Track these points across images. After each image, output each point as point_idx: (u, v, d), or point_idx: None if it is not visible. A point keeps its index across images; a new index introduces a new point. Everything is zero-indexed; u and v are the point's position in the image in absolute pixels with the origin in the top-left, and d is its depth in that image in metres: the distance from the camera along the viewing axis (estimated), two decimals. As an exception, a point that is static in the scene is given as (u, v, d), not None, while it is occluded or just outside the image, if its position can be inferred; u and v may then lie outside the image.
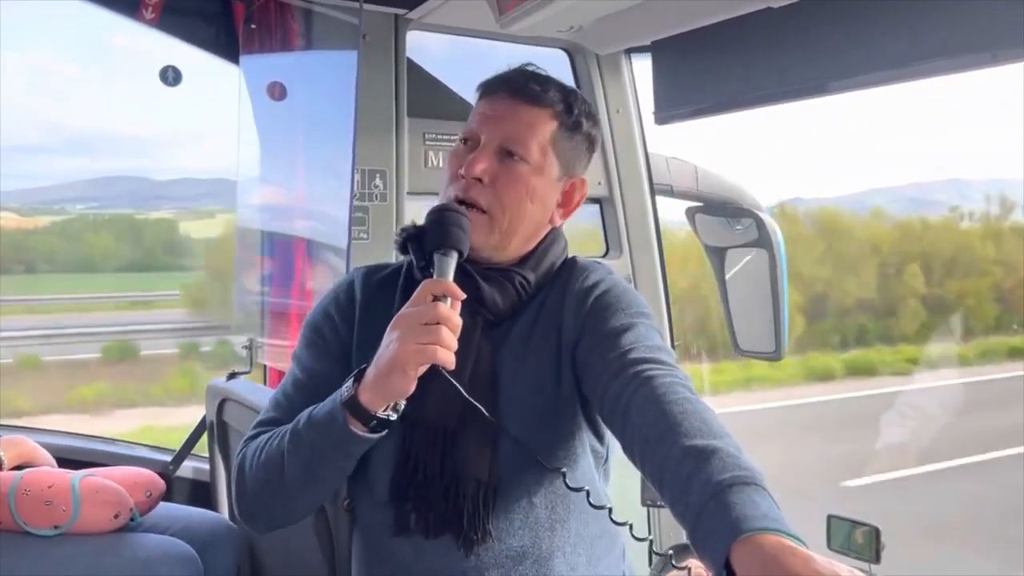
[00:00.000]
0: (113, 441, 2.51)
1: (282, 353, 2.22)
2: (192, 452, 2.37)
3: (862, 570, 1.56)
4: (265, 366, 2.33)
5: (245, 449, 1.28)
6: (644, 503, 1.82)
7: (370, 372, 1.15)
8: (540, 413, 1.24)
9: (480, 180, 1.25)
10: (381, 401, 1.14)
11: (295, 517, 1.30)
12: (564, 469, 1.20)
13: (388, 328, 1.14)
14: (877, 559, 1.58)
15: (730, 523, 0.89)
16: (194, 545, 1.81)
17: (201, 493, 2.30)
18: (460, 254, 1.20)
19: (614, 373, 1.15)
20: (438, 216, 1.23)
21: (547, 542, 1.24)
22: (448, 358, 1.11)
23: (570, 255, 1.38)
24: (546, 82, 1.30)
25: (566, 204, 1.34)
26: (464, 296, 1.15)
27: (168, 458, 2.36)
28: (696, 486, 0.95)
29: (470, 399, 1.16)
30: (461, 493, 1.20)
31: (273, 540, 1.80)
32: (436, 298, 1.13)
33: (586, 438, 1.28)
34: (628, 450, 1.12)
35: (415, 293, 1.14)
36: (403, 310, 1.14)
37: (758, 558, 0.85)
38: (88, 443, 2.41)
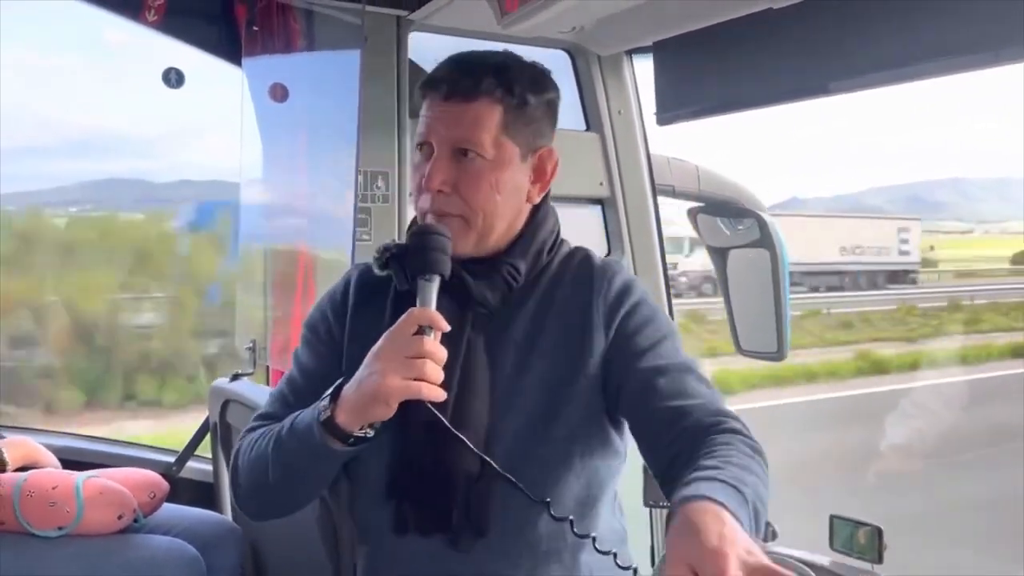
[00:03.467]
0: (116, 442, 2.52)
1: (285, 355, 2.23)
2: (195, 453, 2.38)
3: (864, 571, 1.56)
4: (268, 367, 2.34)
5: (241, 443, 1.31)
6: (647, 503, 1.82)
7: (350, 395, 1.15)
8: (549, 412, 1.23)
9: (443, 191, 1.23)
10: (358, 423, 1.16)
11: (285, 512, 1.32)
12: (548, 499, 1.19)
13: (371, 353, 1.15)
14: (880, 559, 1.58)
15: (689, 487, 0.96)
16: (197, 546, 1.82)
17: (204, 494, 2.30)
18: (442, 277, 1.20)
19: (664, 423, 1.16)
20: (421, 240, 1.21)
21: (546, 544, 1.23)
22: (432, 392, 1.12)
23: (569, 243, 1.36)
24: (479, 70, 1.24)
25: (540, 179, 1.30)
26: (448, 329, 1.15)
27: (171, 459, 2.37)
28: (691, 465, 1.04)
29: (455, 432, 1.16)
30: (455, 489, 1.20)
31: (276, 540, 1.81)
32: (421, 328, 1.13)
33: (609, 436, 1.27)
34: (653, 463, 1.17)
35: (399, 321, 1.14)
36: (387, 339, 1.14)
37: (684, 515, 0.90)
38: (92, 444, 2.43)
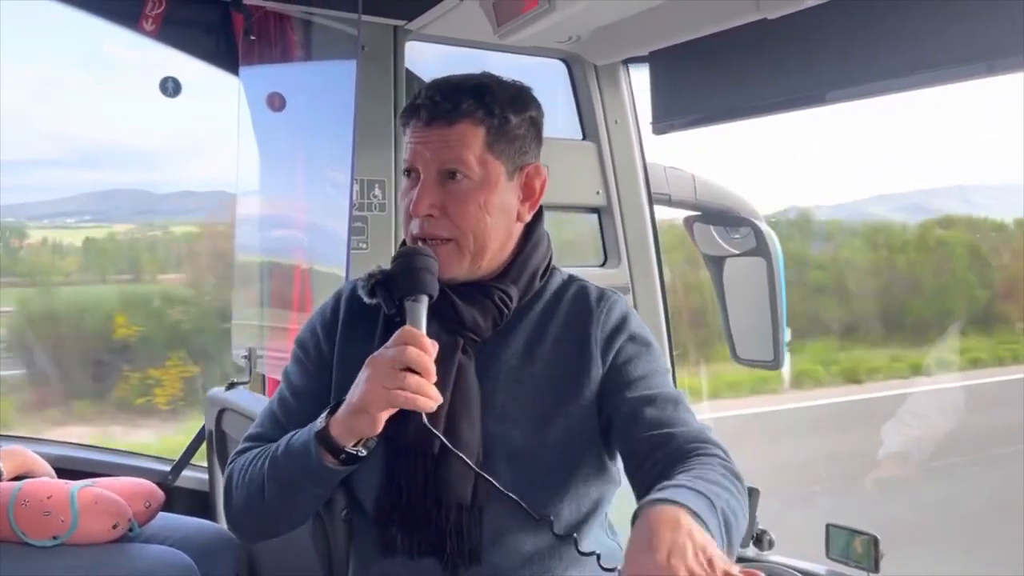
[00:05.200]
0: (112, 451, 2.51)
1: (281, 363, 2.22)
2: (191, 462, 2.38)
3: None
4: (264, 376, 2.34)
5: (233, 464, 1.31)
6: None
7: (342, 408, 1.16)
8: (543, 439, 1.23)
9: (431, 215, 1.24)
10: (350, 437, 1.16)
11: (279, 532, 1.32)
12: (552, 517, 1.21)
13: (364, 366, 1.15)
14: (876, 568, 1.58)
15: (656, 492, 0.97)
16: (192, 555, 1.81)
17: (200, 503, 2.30)
18: (430, 297, 1.20)
19: (648, 450, 1.18)
20: (406, 262, 1.21)
21: (538, 565, 1.23)
22: (412, 402, 1.12)
23: (563, 270, 1.36)
24: (456, 95, 1.25)
25: (529, 197, 1.30)
26: (433, 352, 1.15)
27: (167, 468, 2.37)
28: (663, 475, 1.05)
29: (447, 444, 1.17)
30: (444, 516, 1.20)
31: (272, 550, 1.80)
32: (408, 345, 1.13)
33: (596, 461, 1.27)
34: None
35: (393, 337, 1.15)
36: (377, 352, 1.15)
37: (643, 522, 0.91)
38: (87, 453, 2.42)
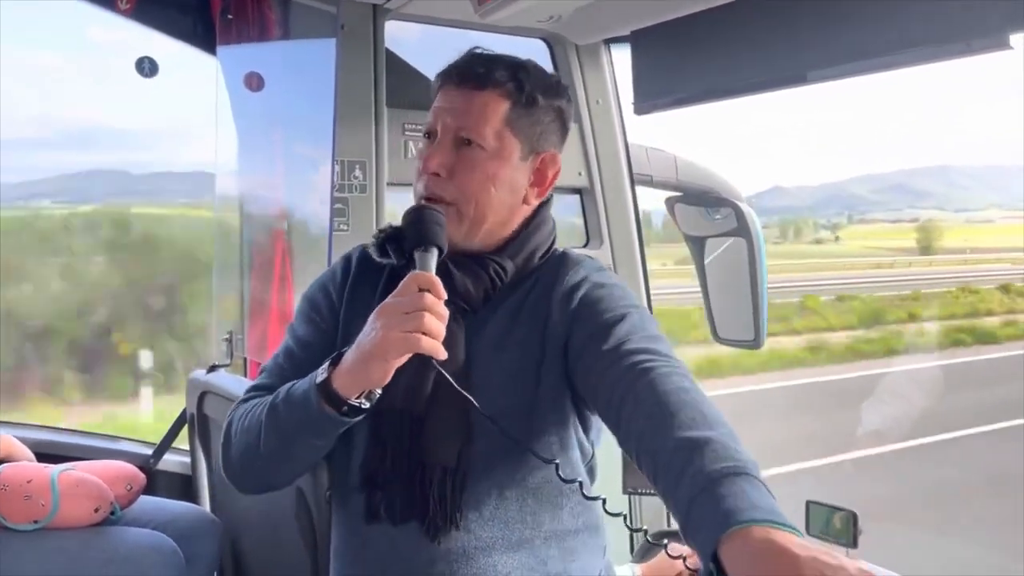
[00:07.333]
0: (93, 435, 2.50)
1: (263, 346, 2.22)
2: (173, 445, 2.37)
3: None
4: (245, 359, 2.33)
5: (234, 412, 1.30)
6: (626, 491, 1.83)
7: (349, 356, 1.15)
8: (518, 407, 1.23)
9: (438, 175, 1.25)
10: (355, 388, 1.15)
11: (276, 484, 1.31)
12: (558, 460, 1.20)
13: (372, 316, 1.14)
14: (854, 543, 1.61)
15: (719, 515, 0.88)
16: (176, 538, 1.80)
17: (182, 486, 2.29)
18: (440, 251, 1.20)
19: (609, 364, 1.15)
20: (416, 215, 1.23)
21: (517, 534, 1.24)
22: (432, 347, 1.11)
23: (560, 248, 1.36)
24: (492, 63, 1.27)
25: (539, 182, 1.31)
26: (446, 296, 1.14)
27: (149, 451, 2.36)
28: (687, 478, 0.95)
29: (460, 390, 1.16)
30: (427, 479, 1.21)
31: (255, 532, 1.80)
32: (421, 290, 1.12)
33: (572, 434, 1.28)
34: (624, 442, 1.12)
35: (401, 284, 1.14)
36: (388, 299, 1.14)
37: (745, 553, 0.84)
38: (67, 437, 2.41)
